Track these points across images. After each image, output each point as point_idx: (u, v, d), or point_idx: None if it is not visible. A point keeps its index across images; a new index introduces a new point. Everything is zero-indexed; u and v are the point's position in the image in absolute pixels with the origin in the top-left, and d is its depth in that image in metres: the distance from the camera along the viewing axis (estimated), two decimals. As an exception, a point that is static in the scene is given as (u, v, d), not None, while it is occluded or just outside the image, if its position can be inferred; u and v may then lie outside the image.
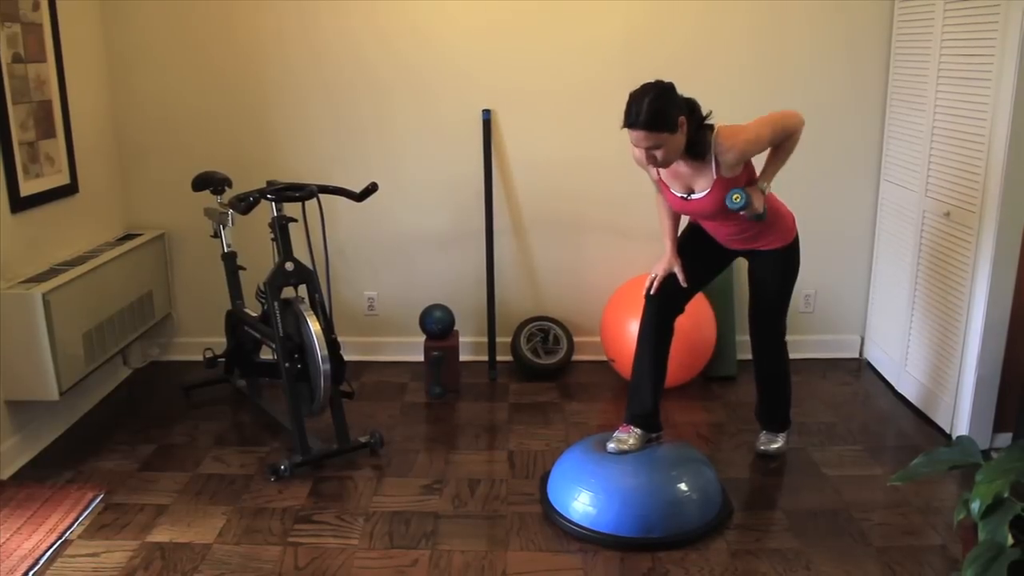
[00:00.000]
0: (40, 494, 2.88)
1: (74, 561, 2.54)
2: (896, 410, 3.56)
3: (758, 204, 2.63)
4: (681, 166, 2.65)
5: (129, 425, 3.45)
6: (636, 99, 2.48)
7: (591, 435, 3.05)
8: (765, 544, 2.62)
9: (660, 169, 2.69)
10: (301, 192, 3.08)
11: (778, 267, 2.87)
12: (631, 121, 2.48)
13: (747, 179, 2.68)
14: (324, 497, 2.90)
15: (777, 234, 2.82)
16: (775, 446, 3.16)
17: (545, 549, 2.60)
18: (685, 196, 2.73)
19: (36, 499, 2.85)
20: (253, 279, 3.70)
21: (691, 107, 2.57)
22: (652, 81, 2.52)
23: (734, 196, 2.61)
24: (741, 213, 2.65)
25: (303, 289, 3.15)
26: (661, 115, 2.45)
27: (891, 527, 2.70)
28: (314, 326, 2.99)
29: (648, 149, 2.51)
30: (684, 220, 2.98)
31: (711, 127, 2.59)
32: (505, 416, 3.53)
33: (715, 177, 2.62)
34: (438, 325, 3.72)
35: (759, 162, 2.72)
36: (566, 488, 2.75)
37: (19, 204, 3.11)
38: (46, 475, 3.04)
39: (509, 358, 4.03)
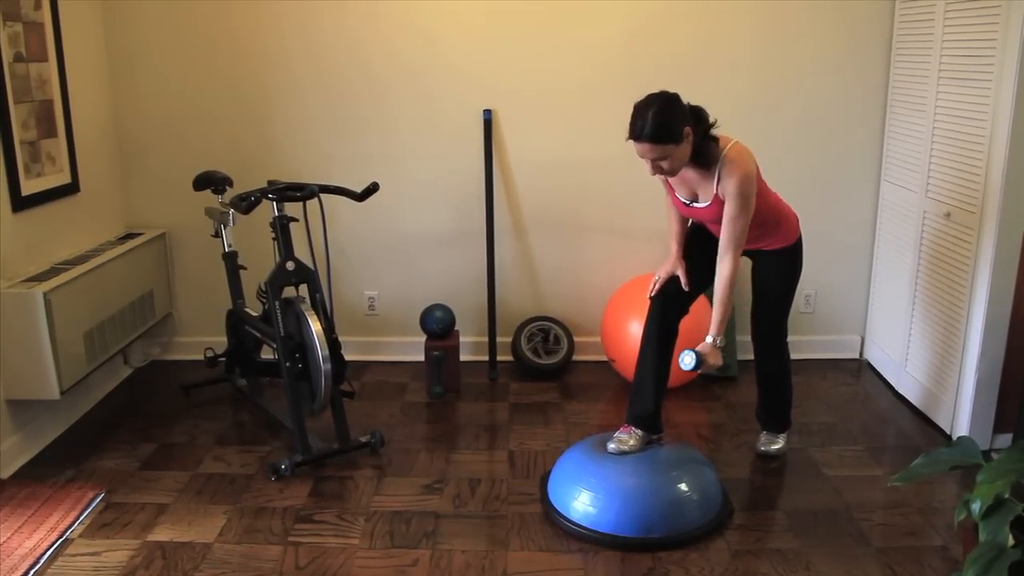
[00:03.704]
0: (41, 493, 2.88)
1: (75, 560, 2.54)
2: (896, 410, 3.57)
3: (713, 361, 2.66)
4: (688, 172, 2.66)
5: (130, 424, 3.45)
6: (640, 111, 2.48)
7: (591, 435, 3.05)
8: (765, 544, 2.62)
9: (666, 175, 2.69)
10: (302, 192, 3.09)
11: (781, 268, 2.87)
12: (636, 134, 2.48)
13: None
14: (325, 496, 2.90)
15: (780, 235, 2.82)
16: (775, 447, 3.16)
17: (545, 549, 2.60)
18: (688, 202, 2.73)
19: (37, 498, 2.85)
20: (254, 278, 3.70)
21: (697, 115, 2.56)
22: (656, 92, 2.52)
23: (685, 359, 2.63)
24: (697, 372, 2.67)
25: (304, 288, 3.15)
26: (665, 127, 2.45)
27: (891, 527, 2.70)
28: (315, 325, 2.99)
29: (654, 160, 2.52)
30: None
31: (717, 139, 2.59)
32: (505, 416, 3.53)
33: (715, 192, 2.62)
34: (439, 325, 3.72)
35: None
36: (566, 488, 2.75)
37: (20, 203, 3.11)
38: (47, 474, 3.04)
39: (509, 358, 4.03)
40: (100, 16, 3.74)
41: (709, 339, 2.68)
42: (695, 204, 2.72)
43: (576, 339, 4.05)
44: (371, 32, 3.75)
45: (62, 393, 3.07)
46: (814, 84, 3.79)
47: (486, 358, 4.05)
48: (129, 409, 3.61)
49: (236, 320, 3.60)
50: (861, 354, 4.13)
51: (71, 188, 3.47)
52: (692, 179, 2.68)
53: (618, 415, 3.50)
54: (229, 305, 3.67)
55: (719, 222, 2.74)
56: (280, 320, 3.04)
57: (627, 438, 2.81)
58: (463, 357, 4.01)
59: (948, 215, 3.25)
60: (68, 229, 3.47)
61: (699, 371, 2.67)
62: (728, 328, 3.84)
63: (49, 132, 3.31)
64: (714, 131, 2.60)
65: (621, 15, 3.72)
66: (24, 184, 3.13)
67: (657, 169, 2.55)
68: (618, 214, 3.94)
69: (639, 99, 2.52)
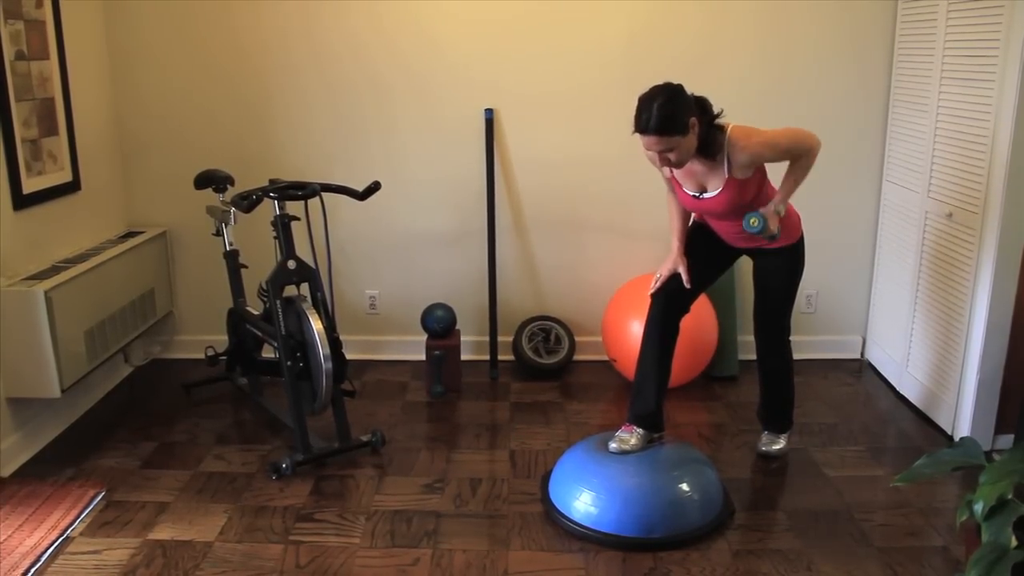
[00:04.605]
0: (41, 491, 2.88)
1: (75, 559, 2.54)
2: (897, 411, 3.56)
3: (773, 225, 2.64)
4: (694, 164, 2.66)
5: (130, 423, 3.45)
6: (645, 104, 2.48)
7: (592, 435, 3.04)
8: (766, 544, 2.62)
9: (673, 168, 2.69)
10: (304, 190, 3.08)
11: (783, 266, 2.87)
12: (642, 127, 2.48)
13: (758, 185, 2.67)
14: (325, 496, 2.90)
15: (783, 233, 2.81)
16: (777, 447, 3.16)
17: (546, 548, 2.60)
18: (697, 195, 2.72)
19: (37, 496, 2.85)
20: (255, 277, 3.70)
21: (702, 106, 2.57)
22: (661, 84, 2.52)
23: (751, 220, 2.62)
24: (757, 236, 2.66)
25: (305, 287, 3.15)
26: (671, 119, 2.45)
27: (892, 528, 2.70)
28: (316, 324, 2.99)
29: (661, 152, 2.52)
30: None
31: (722, 127, 2.59)
32: (506, 415, 3.53)
33: (727, 177, 2.62)
34: (440, 324, 3.72)
35: (777, 172, 2.71)
36: (568, 488, 2.75)
37: (21, 201, 3.11)
38: (47, 472, 3.04)
39: (510, 357, 4.03)
40: (101, 14, 3.74)
41: (771, 205, 2.66)
42: (704, 196, 2.71)
43: (577, 339, 4.05)
44: (373, 32, 3.74)
45: (63, 391, 3.07)
46: (816, 84, 3.79)
47: (487, 357, 4.05)
48: (130, 408, 3.61)
49: (237, 319, 3.60)
50: (862, 354, 4.13)
51: (72, 186, 3.47)
52: (699, 171, 2.68)
53: (619, 415, 3.50)
54: (230, 304, 3.67)
55: (726, 214, 2.73)
56: (281, 319, 3.03)
57: (628, 437, 2.81)
58: (464, 356, 4.01)
59: (950, 216, 3.25)
60: (69, 227, 3.47)
61: (760, 235, 2.64)
62: (729, 327, 3.84)
63: (50, 130, 3.30)
64: (718, 120, 2.60)
65: (622, 15, 3.71)
66: (25, 182, 3.13)
67: (664, 161, 2.55)
68: (619, 213, 3.94)
69: (643, 91, 2.52)
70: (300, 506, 2.83)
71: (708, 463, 2.84)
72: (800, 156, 2.65)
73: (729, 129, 2.59)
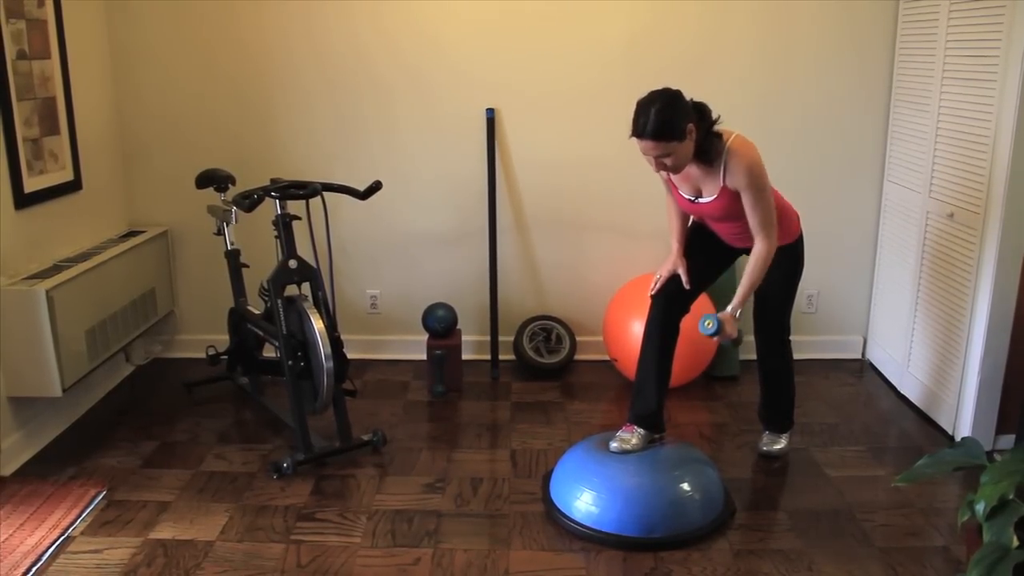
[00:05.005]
0: (43, 491, 2.88)
1: (76, 558, 2.54)
2: (898, 411, 3.56)
3: (731, 330, 2.66)
4: (692, 168, 2.66)
5: (131, 422, 3.45)
6: (643, 108, 2.48)
7: (593, 434, 3.05)
8: (767, 544, 2.62)
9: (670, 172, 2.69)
10: (305, 190, 3.09)
11: (782, 266, 2.87)
12: (639, 131, 2.48)
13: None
14: (326, 495, 2.90)
15: (781, 233, 2.81)
16: (778, 447, 3.16)
17: (547, 548, 2.60)
18: (693, 199, 2.73)
19: (39, 496, 2.85)
20: (256, 277, 3.70)
21: (700, 112, 2.56)
22: (659, 89, 2.52)
23: (706, 323, 2.65)
24: (714, 339, 2.68)
25: (306, 287, 3.15)
26: (668, 124, 2.45)
27: (894, 528, 2.70)
28: (317, 324, 2.99)
29: (657, 157, 2.52)
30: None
31: (720, 134, 2.59)
32: (507, 415, 3.53)
33: (721, 184, 2.62)
34: (441, 324, 3.72)
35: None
36: (568, 487, 2.75)
37: (23, 201, 3.11)
38: (49, 472, 3.04)
39: (511, 357, 4.03)
40: (103, 14, 3.74)
41: (729, 309, 2.69)
42: (699, 200, 2.72)
43: (578, 338, 4.05)
44: (374, 31, 3.74)
45: (64, 390, 3.07)
46: (817, 84, 3.79)
47: (488, 357, 4.05)
48: (131, 407, 3.61)
49: (238, 318, 3.60)
50: (863, 354, 4.13)
51: (73, 186, 3.47)
52: (696, 175, 2.68)
53: (620, 415, 3.50)
54: (231, 303, 3.67)
55: (723, 218, 2.74)
56: (282, 318, 3.04)
57: (629, 437, 2.81)
58: (465, 356, 4.00)
59: (951, 216, 3.25)
60: (70, 226, 3.47)
61: (716, 338, 2.68)
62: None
63: (52, 129, 3.30)
64: (716, 127, 2.60)
65: (624, 14, 3.71)
66: (27, 181, 3.13)
67: (661, 166, 2.56)
68: (620, 213, 3.94)
69: (641, 96, 2.52)
70: (301, 505, 2.83)
71: (709, 463, 2.84)
72: (759, 229, 2.63)
73: (731, 138, 2.58)
